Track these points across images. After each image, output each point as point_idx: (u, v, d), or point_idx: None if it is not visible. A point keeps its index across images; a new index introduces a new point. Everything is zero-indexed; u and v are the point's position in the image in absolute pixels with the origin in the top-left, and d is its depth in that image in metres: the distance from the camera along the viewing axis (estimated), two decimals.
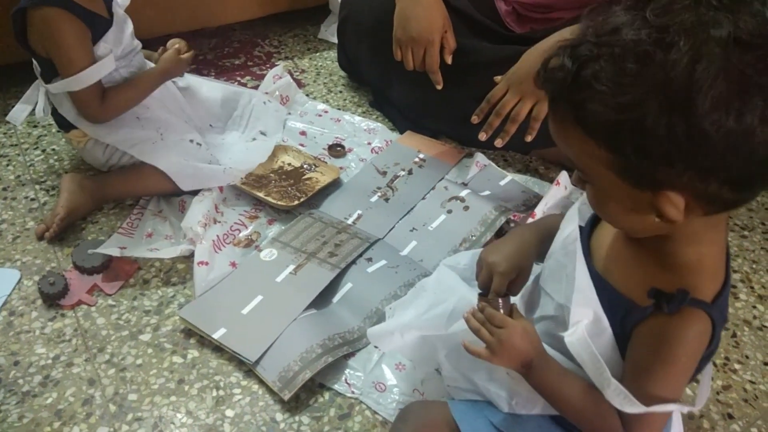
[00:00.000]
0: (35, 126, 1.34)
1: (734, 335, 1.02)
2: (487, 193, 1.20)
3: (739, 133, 0.45)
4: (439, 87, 1.24)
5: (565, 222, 0.67)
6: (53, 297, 0.98)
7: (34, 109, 1.16)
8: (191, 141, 1.17)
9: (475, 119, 1.18)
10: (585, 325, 0.59)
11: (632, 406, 0.57)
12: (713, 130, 0.45)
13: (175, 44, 1.19)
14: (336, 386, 0.90)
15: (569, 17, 1.18)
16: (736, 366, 0.97)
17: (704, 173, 0.47)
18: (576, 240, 0.62)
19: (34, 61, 1.11)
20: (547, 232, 0.71)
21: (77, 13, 1.03)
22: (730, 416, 0.90)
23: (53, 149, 1.30)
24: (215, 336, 0.92)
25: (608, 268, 0.61)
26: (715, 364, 0.97)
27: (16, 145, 1.31)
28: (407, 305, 0.82)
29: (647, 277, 0.57)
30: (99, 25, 1.06)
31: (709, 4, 0.46)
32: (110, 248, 1.03)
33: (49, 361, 0.91)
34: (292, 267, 1.03)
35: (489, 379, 0.70)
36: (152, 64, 1.21)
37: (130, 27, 1.14)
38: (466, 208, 1.17)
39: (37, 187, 1.21)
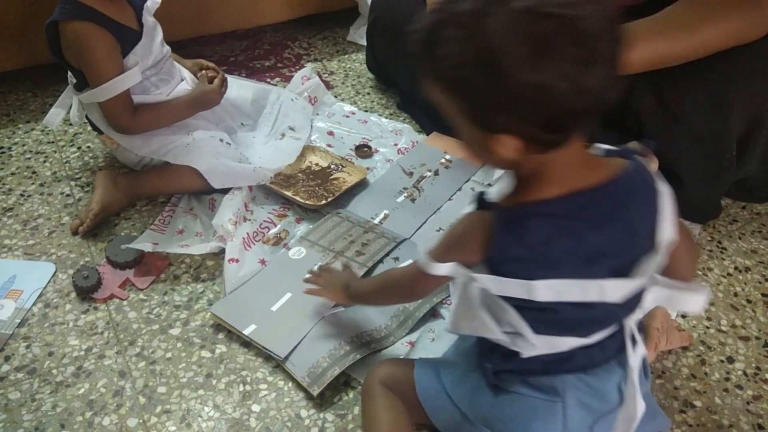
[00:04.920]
0: (71, 124, 1.38)
1: (766, 345, 1.00)
2: None
3: (539, 86, 0.53)
4: None
5: None
6: (87, 290, 1.01)
7: (68, 112, 1.19)
8: (221, 140, 1.19)
9: None
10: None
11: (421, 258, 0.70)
12: (518, 85, 0.53)
13: (210, 74, 1.22)
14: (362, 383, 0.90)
15: None
16: (767, 376, 0.95)
17: (522, 119, 0.56)
18: None
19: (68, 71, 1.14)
20: None
21: (108, 27, 1.04)
22: (761, 426, 0.88)
23: (88, 146, 1.33)
24: (245, 332, 0.94)
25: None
26: (745, 374, 0.95)
27: (52, 142, 1.34)
28: None
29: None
30: (129, 38, 1.08)
31: None
32: (143, 244, 1.06)
33: (82, 353, 0.94)
34: (320, 265, 1.04)
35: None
36: (181, 68, 1.24)
37: (159, 35, 1.16)
38: None
39: (73, 183, 1.24)
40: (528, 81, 0.53)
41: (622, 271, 0.63)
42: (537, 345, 0.65)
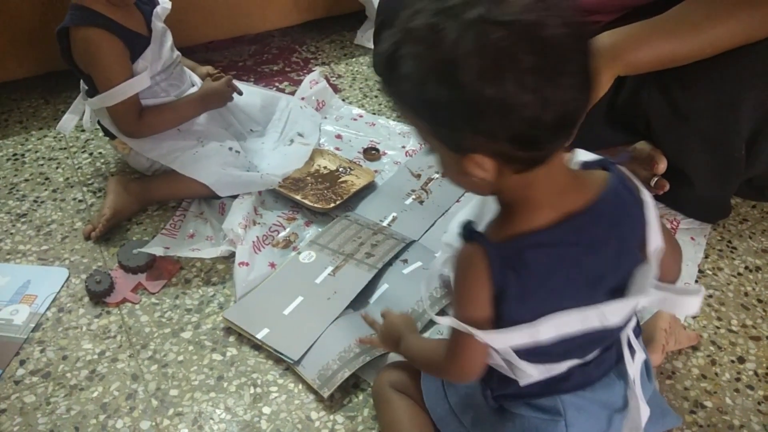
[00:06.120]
0: (83, 130, 1.40)
1: None
2: None
3: (500, 99, 0.50)
4: None
5: None
6: (99, 295, 1.02)
7: (81, 118, 1.21)
8: (230, 149, 1.20)
9: None
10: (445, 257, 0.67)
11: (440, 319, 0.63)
12: (478, 98, 0.50)
13: (215, 75, 1.23)
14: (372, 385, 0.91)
15: (608, 20, 1.17)
16: None
17: (489, 135, 0.52)
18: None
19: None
20: None
21: (117, 33, 1.05)
22: None
23: (100, 153, 1.35)
24: (259, 336, 0.94)
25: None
26: (756, 374, 0.94)
27: (65, 148, 1.36)
28: None
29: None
30: (138, 43, 1.09)
31: None
32: (154, 248, 1.07)
33: (95, 356, 0.95)
34: (330, 269, 1.05)
35: None
36: (192, 74, 1.25)
37: (169, 40, 1.17)
38: None
39: (85, 189, 1.26)
40: (487, 94, 0.50)
41: (618, 288, 0.62)
42: (534, 374, 0.63)
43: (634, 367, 0.66)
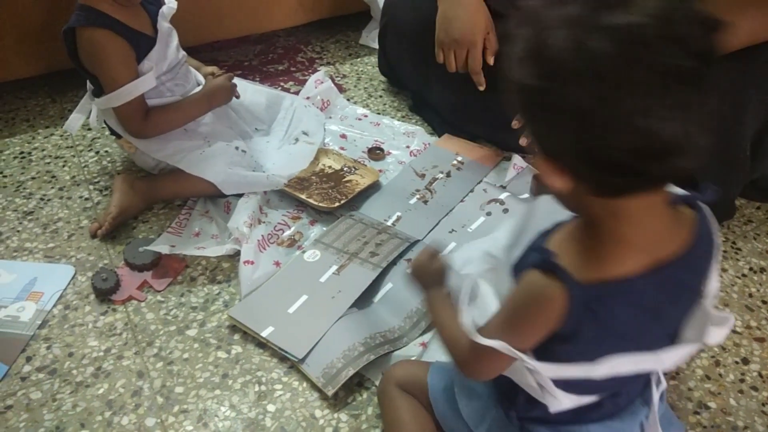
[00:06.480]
0: (89, 129, 1.40)
1: None
2: (526, 195, 1.20)
3: (559, 98, 0.46)
4: (482, 88, 1.24)
5: None
6: (105, 292, 1.03)
7: (88, 117, 1.21)
8: (236, 148, 1.21)
9: (515, 124, 1.19)
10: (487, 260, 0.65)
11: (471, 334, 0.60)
12: (543, 91, 0.47)
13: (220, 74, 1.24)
14: (376, 383, 0.91)
15: None
16: None
17: (555, 138, 0.49)
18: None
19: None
20: None
21: (123, 34, 1.06)
22: None
23: (106, 151, 1.35)
24: (263, 334, 0.95)
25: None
26: (760, 375, 0.94)
27: (71, 147, 1.37)
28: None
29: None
30: (143, 44, 1.10)
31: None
32: (160, 246, 1.07)
33: (101, 354, 0.96)
34: (335, 267, 1.05)
35: None
36: (197, 74, 1.25)
37: (175, 40, 1.17)
38: (506, 210, 1.17)
39: (91, 187, 1.26)
40: (552, 90, 0.46)
41: (676, 329, 0.60)
42: (566, 403, 0.61)
43: (657, 394, 0.65)
